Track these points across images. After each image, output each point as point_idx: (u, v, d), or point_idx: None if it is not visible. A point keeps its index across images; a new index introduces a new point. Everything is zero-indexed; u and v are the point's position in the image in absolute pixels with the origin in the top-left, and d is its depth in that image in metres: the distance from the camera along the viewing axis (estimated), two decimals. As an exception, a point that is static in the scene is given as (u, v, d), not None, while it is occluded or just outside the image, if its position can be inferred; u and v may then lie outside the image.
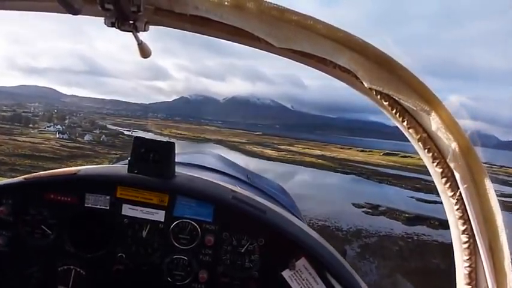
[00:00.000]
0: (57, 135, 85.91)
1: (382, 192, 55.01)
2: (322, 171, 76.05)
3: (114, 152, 75.15)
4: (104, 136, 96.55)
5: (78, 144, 78.14)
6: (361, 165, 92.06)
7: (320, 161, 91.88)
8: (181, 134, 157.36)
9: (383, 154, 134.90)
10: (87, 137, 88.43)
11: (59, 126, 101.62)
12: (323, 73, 1.02)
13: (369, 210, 40.57)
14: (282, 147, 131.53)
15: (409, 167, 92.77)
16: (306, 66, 1.02)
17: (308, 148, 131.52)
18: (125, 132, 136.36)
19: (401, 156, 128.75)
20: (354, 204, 42.54)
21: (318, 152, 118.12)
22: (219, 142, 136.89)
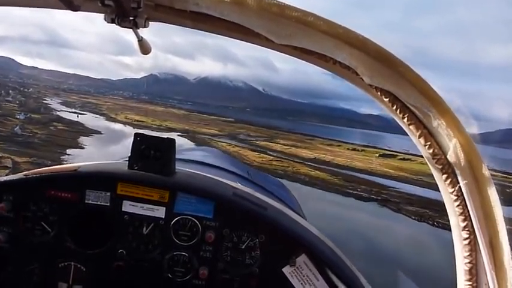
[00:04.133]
0: None
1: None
2: (329, 195, 54.25)
3: (16, 156, 48.20)
4: (18, 127, 69.09)
5: None
6: (368, 178, 71.78)
7: (317, 172, 70.39)
8: (139, 120, 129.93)
9: (379, 156, 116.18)
10: (-15, 130, 61.18)
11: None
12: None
13: None
14: (262, 143, 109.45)
15: (424, 180, 74.13)
16: (306, 62, 1.01)
17: (294, 146, 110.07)
18: (65, 118, 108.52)
19: (400, 159, 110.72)
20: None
21: (309, 154, 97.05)
22: (185, 133, 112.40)
